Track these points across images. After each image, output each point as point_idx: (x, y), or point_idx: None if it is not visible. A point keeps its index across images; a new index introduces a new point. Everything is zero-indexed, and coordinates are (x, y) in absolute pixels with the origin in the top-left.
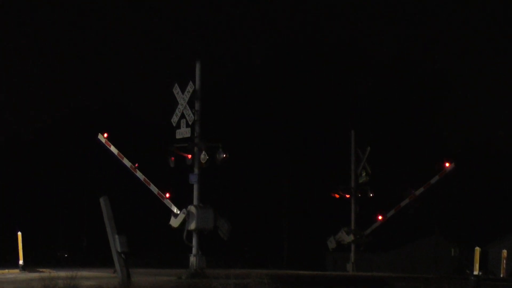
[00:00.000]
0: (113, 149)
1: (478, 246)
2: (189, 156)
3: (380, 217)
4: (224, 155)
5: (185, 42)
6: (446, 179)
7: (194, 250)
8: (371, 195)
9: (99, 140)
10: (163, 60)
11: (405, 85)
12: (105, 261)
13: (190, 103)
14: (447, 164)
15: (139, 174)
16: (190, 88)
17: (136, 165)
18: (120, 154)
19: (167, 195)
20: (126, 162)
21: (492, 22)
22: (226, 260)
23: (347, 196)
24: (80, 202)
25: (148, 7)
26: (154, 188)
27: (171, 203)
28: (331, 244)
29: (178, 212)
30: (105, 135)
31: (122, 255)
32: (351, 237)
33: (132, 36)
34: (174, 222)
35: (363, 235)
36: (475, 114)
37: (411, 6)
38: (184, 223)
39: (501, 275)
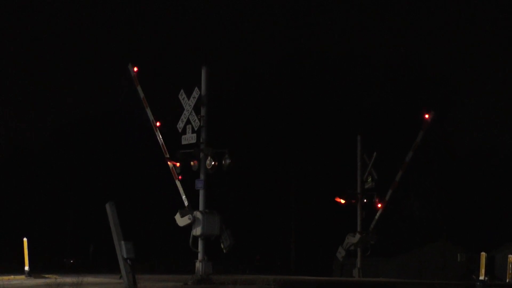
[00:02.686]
0: (139, 89)
1: (485, 252)
2: (195, 162)
3: (379, 205)
4: (230, 161)
5: (191, 48)
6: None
7: (200, 256)
8: (377, 200)
9: (128, 72)
10: (169, 66)
11: (411, 90)
12: (111, 267)
13: (196, 109)
14: (426, 116)
15: (158, 134)
16: (195, 93)
17: (158, 123)
18: (145, 100)
19: (179, 177)
20: (149, 112)
21: (497, 28)
22: (234, 266)
23: (353, 201)
24: (86, 208)
25: (155, 14)
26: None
27: (183, 191)
28: (340, 254)
29: (186, 203)
30: (135, 68)
31: (128, 261)
32: (357, 236)
33: (137, 42)
34: (180, 221)
35: (369, 232)
36: (483, 120)
37: (418, 13)
38: (189, 226)
39: (507, 280)
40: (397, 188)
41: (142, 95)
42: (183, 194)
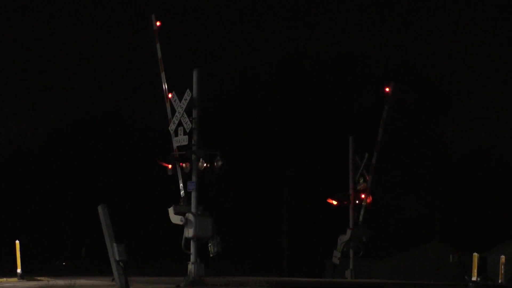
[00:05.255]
0: (158, 48)
1: (477, 253)
2: (187, 164)
3: (363, 196)
4: (222, 163)
5: (183, 50)
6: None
7: (192, 258)
8: (369, 201)
9: (149, 25)
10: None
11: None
12: (103, 270)
13: (188, 111)
14: (387, 89)
15: (168, 105)
16: (187, 96)
17: (170, 95)
18: (162, 62)
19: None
20: (163, 77)
21: (495, 29)
22: (226, 268)
23: (345, 202)
24: (78, 211)
25: (150, 14)
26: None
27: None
28: (336, 257)
29: (182, 192)
30: (158, 23)
31: (121, 263)
32: (349, 232)
33: (131, 45)
34: (172, 217)
35: (359, 227)
36: (476, 122)
37: (414, 17)
38: (182, 227)
39: (499, 281)
40: (377, 173)
41: (160, 55)
42: (181, 182)
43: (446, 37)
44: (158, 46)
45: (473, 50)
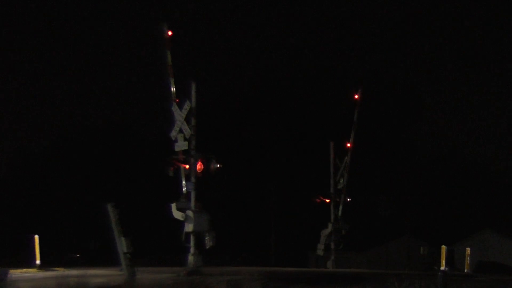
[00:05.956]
0: (169, 54)
1: (445, 245)
2: (187, 166)
3: (343, 194)
4: (218, 165)
5: (182, 65)
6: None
7: (191, 250)
8: (348, 199)
9: (161, 33)
10: (163, 82)
11: (380, 101)
12: (112, 261)
13: (187, 119)
14: (356, 96)
15: (175, 109)
16: (187, 106)
17: (177, 100)
18: (171, 68)
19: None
20: (171, 82)
21: (465, 39)
22: (221, 259)
23: (327, 200)
24: (89, 208)
25: (151, 24)
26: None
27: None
28: (320, 249)
29: (184, 189)
30: (170, 32)
31: (127, 255)
32: (330, 226)
33: (135, 61)
34: (175, 212)
35: (339, 220)
36: (444, 126)
37: (386, 26)
38: (182, 222)
39: (466, 271)
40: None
41: (170, 62)
42: (184, 179)
43: (419, 45)
44: (169, 53)
45: (443, 56)
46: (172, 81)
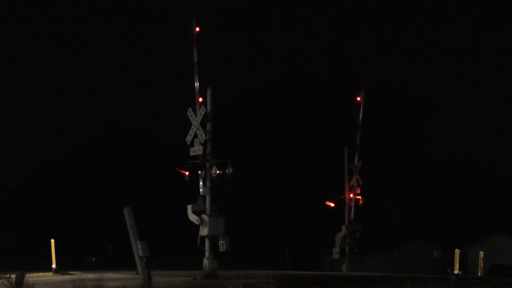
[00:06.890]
0: (195, 52)
1: (458, 249)
2: (202, 171)
3: (357, 197)
4: (231, 170)
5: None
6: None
7: (207, 254)
8: (361, 203)
9: (190, 30)
10: (179, 87)
11: (391, 108)
12: (128, 265)
13: (202, 125)
14: (358, 99)
15: (197, 106)
16: (202, 111)
17: (201, 99)
18: (197, 66)
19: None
20: (196, 80)
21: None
22: (236, 262)
23: (342, 204)
24: (106, 213)
25: (162, 33)
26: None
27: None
28: (336, 253)
29: (201, 191)
30: (198, 28)
31: (144, 259)
32: (343, 229)
33: (152, 69)
34: (190, 215)
35: (352, 222)
36: (454, 131)
37: (394, 34)
38: (197, 226)
39: (479, 274)
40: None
41: (196, 59)
42: (201, 181)
43: (426, 52)
44: (195, 50)
45: (450, 62)
46: (196, 78)
